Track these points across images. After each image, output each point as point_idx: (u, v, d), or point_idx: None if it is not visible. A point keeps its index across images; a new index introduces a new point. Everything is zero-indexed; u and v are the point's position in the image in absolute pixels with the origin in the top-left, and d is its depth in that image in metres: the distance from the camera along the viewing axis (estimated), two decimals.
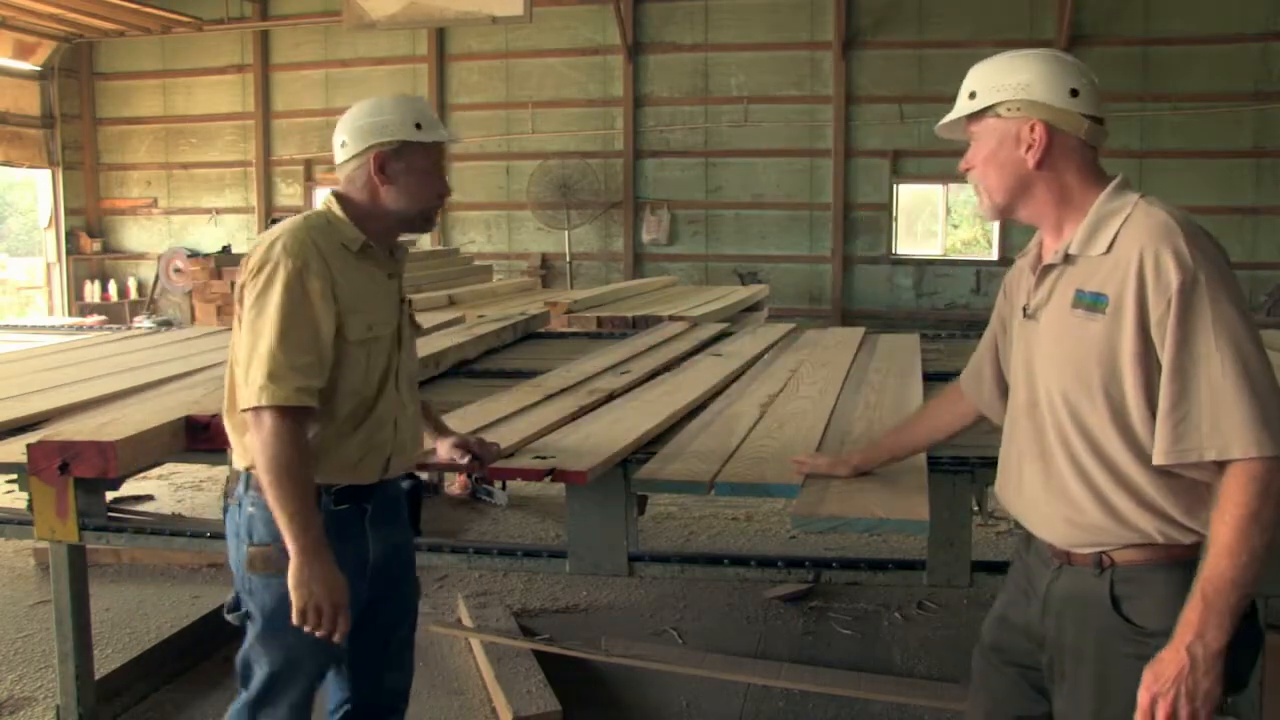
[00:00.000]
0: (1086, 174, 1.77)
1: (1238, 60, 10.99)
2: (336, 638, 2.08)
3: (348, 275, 2.16)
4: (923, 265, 12.05)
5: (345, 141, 2.23)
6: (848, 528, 2.15)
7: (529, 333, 5.41)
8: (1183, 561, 1.64)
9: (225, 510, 2.25)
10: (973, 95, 1.80)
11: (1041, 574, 1.84)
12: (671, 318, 6.02)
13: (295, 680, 2.24)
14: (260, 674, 2.24)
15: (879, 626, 4.34)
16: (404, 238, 2.40)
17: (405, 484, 2.47)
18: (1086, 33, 11.21)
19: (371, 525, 2.26)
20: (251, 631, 2.22)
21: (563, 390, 3.50)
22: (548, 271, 12.80)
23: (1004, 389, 1.99)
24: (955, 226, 13.31)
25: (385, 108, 2.22)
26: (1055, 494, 1.76)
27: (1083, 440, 1.71)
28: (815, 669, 3.87)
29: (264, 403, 2.03)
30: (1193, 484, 1.65)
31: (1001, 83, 1.77)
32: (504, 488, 6.09)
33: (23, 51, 13.08)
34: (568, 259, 12.69)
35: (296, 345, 2.06)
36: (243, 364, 2.10)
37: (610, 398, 3.45)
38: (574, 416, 3.13)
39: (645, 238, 12.53)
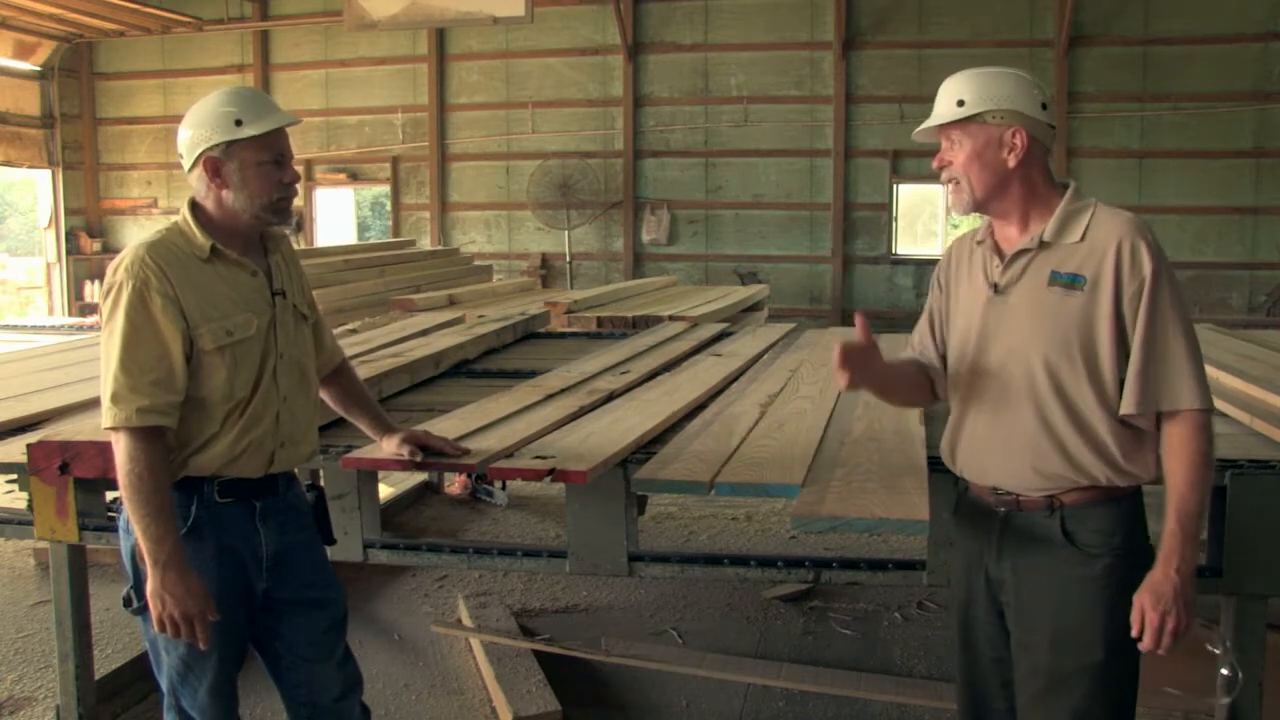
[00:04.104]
0: (1047, 175, 2.12)
1: (1238, 60, 10.98)
2: (202, 646, 2.15)
3: (198, 284, 2.19)
4: (923, 265, 12.03)
5: (181, 155, 2.25)
6: (848, 528, 2.16)
7: (529, 333, 5.41)
8: (1116, 498, 2.05)
9: (117, 507, 2.28)
10: (961, 103, 2.09)
11: (987, 523, 2.15)
12: (671, 318, 6.01)
13: (205, 666, 2.27)
14: (169, 661, 2.29)
15: (879, 626, 4.34)
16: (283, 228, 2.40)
17: (310, 495, 2.49)
18: (1086, 33, 11.21)
19: (262, 521, 2.30)
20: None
21: (563, 390, 3.50)
22: (548, 271, 12.80)
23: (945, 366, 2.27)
24: (955, 226, 13.30)
25: (204, 112, 2.22)
26: (1019, 446, 2.07)
27: (1056, 396, 2.03)
28: (815, 669, 3.87)
29: (108, 424, 2.12)
30: (1135, 433, 2.02)
31: (988, 94, 2.07)
32: (504, 488, 6.08)
33: (23, 51, 13.08)
34: (568, 259, 12.69)
35: (139, 365, 2.12)
36: (101, 386, 2.17)
37: (610, 398, 3.45)
38: (574, 416, 3.13)
39: (645, 238, 12.52)
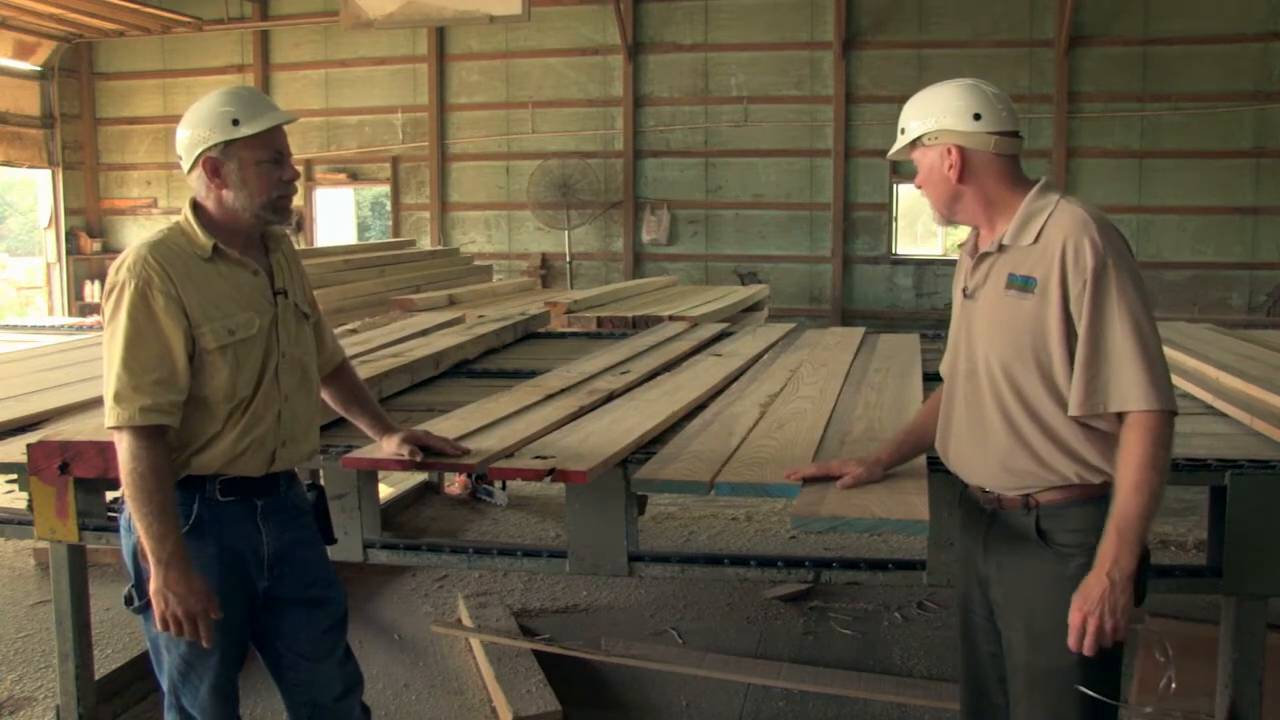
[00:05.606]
0: (1006, 179, 2.11)
1: (1238, 60, 10.97)
2: (205, 644, 2.15)
3: (200, 283, 2.20)
4: (923, 265, 12.03)
5: (180, 156, 2.27)
6: (848, 528, 2.16)
7: (529, 333, 5.41)
8: (1094, 498, 2.02)
9: (119, 506, 2.29)
10: (903, 131, 2.17)
11: (979, 521, 2.19)
12: (671, 318, 6.01)
13: (206, 664, 2.28)
14: (170, 660, 2.30)
15: (879, 626, 4.34)
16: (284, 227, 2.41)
17: (311, 495, 2.50)
18: (1086, 33, 11.20)
19: (264, 520, 2.31)
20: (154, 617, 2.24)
21: (563, 390, 3.50)
22: (548, 271, 12.79)
23: None
24: (955, 226, 13.32)
25: (201, 112, 2.23)
26: (992, 446, 2.09)
27: (1017, 399, 2.05)
28: (815, 669, 3.87)
29: (111, 423, 2.12)
30: (1104, 434, 1.99)
31: (919, 118, 2.13)
32: (504, 488, 6.09)
33: (23, 51, 13.07)
34: (568, 259, 12.69)
35: (142, 364, 2.13)
36: (104, 385, 2.17)
37: (610, 398, 3.45)
38: (574, 416, 3.13)
39: (645, 238, 12.52)
